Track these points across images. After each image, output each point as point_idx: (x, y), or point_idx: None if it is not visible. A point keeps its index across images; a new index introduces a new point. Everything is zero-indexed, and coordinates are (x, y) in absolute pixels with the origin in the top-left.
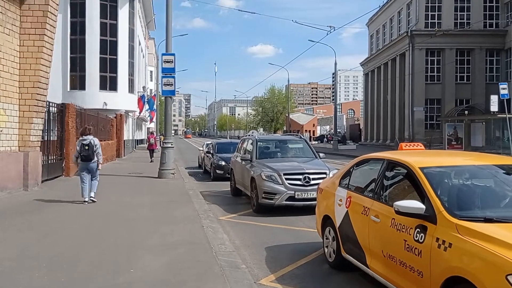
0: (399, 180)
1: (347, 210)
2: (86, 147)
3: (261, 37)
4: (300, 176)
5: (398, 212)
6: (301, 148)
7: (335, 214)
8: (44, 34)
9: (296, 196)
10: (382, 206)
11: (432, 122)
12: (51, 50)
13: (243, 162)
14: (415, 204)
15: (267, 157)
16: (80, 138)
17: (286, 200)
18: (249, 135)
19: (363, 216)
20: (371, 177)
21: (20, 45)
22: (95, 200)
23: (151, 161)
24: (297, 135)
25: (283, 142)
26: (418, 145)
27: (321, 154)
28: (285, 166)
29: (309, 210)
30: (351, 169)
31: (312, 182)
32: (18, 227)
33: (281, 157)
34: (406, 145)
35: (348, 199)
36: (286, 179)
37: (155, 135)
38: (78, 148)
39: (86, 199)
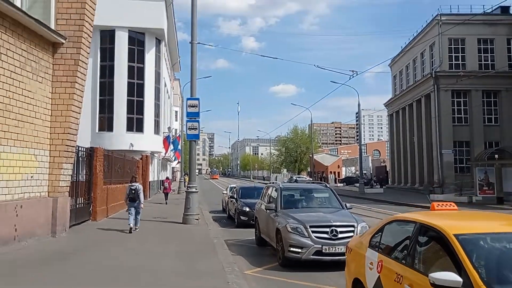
0: (433, 246)
1: (379, 276)
2: (133, 191)
3: (283, 77)
4: (327, 229)
5: (433, 285)
6: (327, 198)
7: (366, 279)
8: (75, 82)
9: (323, 251)
10: (416, 275)
11: (461, 165)
12: (81, 97)
13: (268, 211)
14: (451, 277)
15: (292, 207)
16: (129, 184)
17: (313, 255)
18: (273, 182)
19: (396, 283)
20: (403, 240)
21: (52, 92)
22: (137, 229)
23: (166, 203)
24: (322, 183)
25: (308, 191)
26: (450, 204)
27: (348, 204)
28: (311, 217)
29: (338, 266)
30: (382, 230)
31: (340, 235)
32: (45, 280)
33: (306, 207)
34: (438, 204)
35: (380, 263)
36: (313, 231)
37: (170, 179)
38: (127, 191)
39: (131, 226)
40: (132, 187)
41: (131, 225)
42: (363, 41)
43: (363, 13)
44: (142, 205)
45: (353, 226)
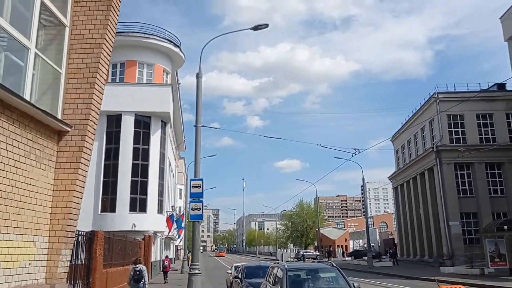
0: None
1: None
2: (137, 273)
3: (288, 153)
4: None
5: None
6: (334, 277)
7: None
8: (79, 167)
9: None
10: None
11: (470, 236)
12: (84, 182)
13: None
14: None
15: None
16: (133, 266)
17: None
18: (278, 262)
19: None
20: None
21: (54, 179)
22: None
23: (165, 283)
24: (329, 262)
25: (314, 271)
26: (459, 287)
27: (355, 284)
28: None
29: None
30: None
31: None
32: None
33: (313, 287)
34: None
35: None
36: None
37: (169, 258)
38: (131, 273)
39: None
40: (137, 269)
41: None
42: (364, 118)
43: (363, 92)
44: (147, 286)
45: None
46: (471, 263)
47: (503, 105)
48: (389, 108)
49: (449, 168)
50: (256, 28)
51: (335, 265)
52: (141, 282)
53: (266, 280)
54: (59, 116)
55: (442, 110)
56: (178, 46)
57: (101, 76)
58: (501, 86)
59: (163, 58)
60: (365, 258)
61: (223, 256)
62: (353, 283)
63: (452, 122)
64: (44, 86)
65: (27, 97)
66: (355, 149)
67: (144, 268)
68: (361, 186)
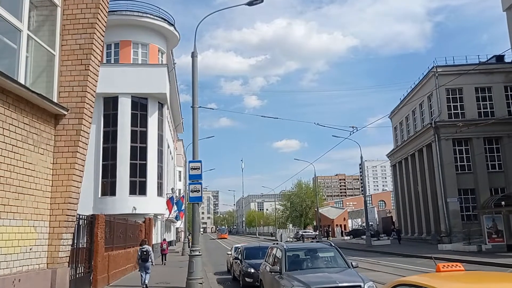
0: None
1: None
2: (144, 253)
3: (286, 133)
4: None
5: None
6: (332, 257)
7: None
8: (77, 151)
9: None
10: None
11: (468, 213)
12: (83, 165)
13: (272, 273)
14: None
15: (297, 268)
16: (140, 247)
17: None
18: (277, 242)
19: None
20: None
21: (53, 163)
22: (147, 285)
23: (163, 264)
24: (328, 242)
25: (313, 251)
26: (457, 265)
27: (354, 263)
28: (317, 278)
29: None
30: None
31: None
32: None
33: (312, 267)
34: (444, 266)
35: None
36: None
37: (166, 241)
38: (139, 253)
39: (146, 283)
40: (143, 249)
41: (146, 282)
42: (362, 95)
43: (361, 68)
44: (153, 263)
45: (359, 286)
46: (468, 240)
47: (502, 78)
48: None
49: (447, 144)
50: (251, 3)
51: (333, 244)
52: (148, 261)
53: (265, 261)
54: (55, 100)
55: (441, 84)
56: (173, 25)
57: (95, 57)
58: (500, 58)
59: (157, 37)
60: (364, 237)
61: (225, 238)
62: (351, 262)
63: (451, 96)
64: (38, 69)
65: (21, 81)
66: (353, 127)
67: (150, 248)
68: (360, 165)
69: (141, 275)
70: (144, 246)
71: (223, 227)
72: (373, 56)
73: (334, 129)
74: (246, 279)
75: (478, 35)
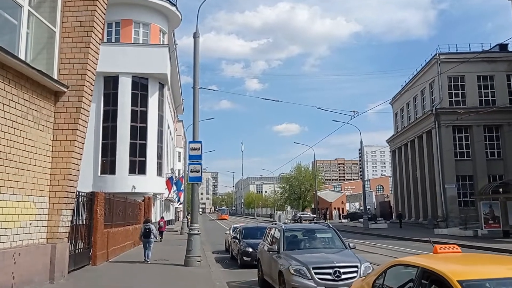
0: None
1: None
2: (147, 230)
3: (287, 117)
4: (330, 270)
5: None
6: (330, 238)
7: None
8: (77, 129)
9: None
10: None
11: (465, 199)
12: (83, 143)
13: (270, 253)
14: None
15: (295, 248)
16: (144, 225)
17: None
18: (276, 223)
19: None
20: (405, 283)
21: (53, 140)
22: (149, 260)
23: (160, 241)
24: (325, 223)
25: (311, 232)
26: (453, 247)
27: (351, 244)
28: (314, 258)
29: None
30: (384, 273)
31: (343, 276)
32: None
33: (309, 247)
34: (441, 247)
35: None
36: (316, 273)
37: (164, 219)
38: (142, 230)
39: (146, 260)
40: (146, 227)
41: (149, 257)
42: (364, 80)
43: (363, 54)
44: (155, 238)
45: (356, 266)
46: (465, 225)
47: (504, 66)
48: (389, 70)
49: (447, 131)
50: None
51: (331, 226)
52: (150, 237)
53: (263, 241)
54: (55, 77)
55: (443, 71)
56: (175, 5)
57: (96, 35)
58: (503, 47)
59: (159, 17)
60: (361, 220)
61: (226, 220)
62: (348, 244)
63: (452, 84)
64: (39, 46)
65: (22, 57)
66: (354, 111)
67: (153, 226)
68: (359, 150)
69: (144, 250)
70: (147, 224)
71: (224, 207)
72: (375, 42)
73: (335, 113)
74: (244, 258)
75: (483, 24)
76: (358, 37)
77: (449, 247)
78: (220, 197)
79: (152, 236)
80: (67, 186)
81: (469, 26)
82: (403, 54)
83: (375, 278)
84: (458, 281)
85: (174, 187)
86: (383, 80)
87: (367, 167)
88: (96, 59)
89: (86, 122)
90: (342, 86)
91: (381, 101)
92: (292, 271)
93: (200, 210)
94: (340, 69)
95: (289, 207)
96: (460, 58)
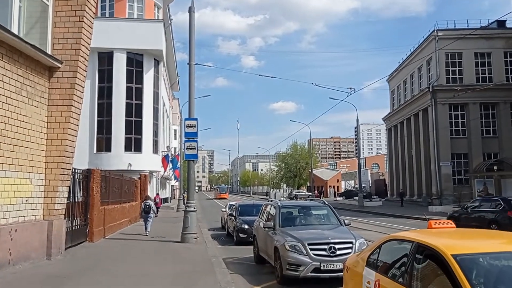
0: (430, 266)
1: None
2: (147, 206)
3: (283, 95)
4: (325, 246)
5: None
6: (325, 215)
7: None
8: (72, 105)
9: (321, 268)
10: None
11: (460, 177)
12: (78, 120)
13: (266, 229)
14: None
15: (291, 225)
16: (144, 202)
17: (311, 272)
18: (271, 200)
19: None
20: (400, 258)
21: (48, 116)
22: (147, 234)
23: (155, 216)
24: (321, 200)
25: (306, 208)
26: (448, 222)
27: (346, 221)
28: (309, 234)
29: (336, 282)
30: (379, 248)
31: (338, 252)
32: None
33: (305, 224)
34: (436, 222)
35: (377, 282)
36: (311, 249)
37: (159, 196)
38: (142, 207)
39: (146, 233)
40: (146, 204)
41: (148, 229)
42: (360, 58)
43: (360, 31)
44: (155, 214)
45: (351, 242)
46: (459, 203)
47: (502, 43)
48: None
49: (443, 108)
50: None
51: (326, 203)
52: (150, 213)
53: (259, 217)
54: (48, 51)
55: (440, 47)
56: None
57: (89, 9)
58: (501, 23)
59: None
60: (356, 198)
61: (226, 199)
62: (343, 220)
63: (450, 61)
64: (32, 20)
65: (15, 31)
66: (350, 88)
67: (152, 203)
68: (355, 128)
69: (144, 224)
70: (147, 201)
71: (223, 185)
72: (373, 18)
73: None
74: (240, 234)
75: (480, 1)
76: (355, 13)
77: (444, 222)
78: (216, 175)
79: (152, 212)
80: (63, 163)
81: (466, 2)
82: (401, 30)
83: (370, 253)
84: (452, 255)
85: (170, 165)
86: (381, 58)
87: (363, 145)
88: (90, 33)
89: (81, 98)
90: (339, 64)
91: (377, 78)
92: (287, 247)
93: (196, 188)
94: (337, 46)
95: (284, 185)
96: (458, 35)
